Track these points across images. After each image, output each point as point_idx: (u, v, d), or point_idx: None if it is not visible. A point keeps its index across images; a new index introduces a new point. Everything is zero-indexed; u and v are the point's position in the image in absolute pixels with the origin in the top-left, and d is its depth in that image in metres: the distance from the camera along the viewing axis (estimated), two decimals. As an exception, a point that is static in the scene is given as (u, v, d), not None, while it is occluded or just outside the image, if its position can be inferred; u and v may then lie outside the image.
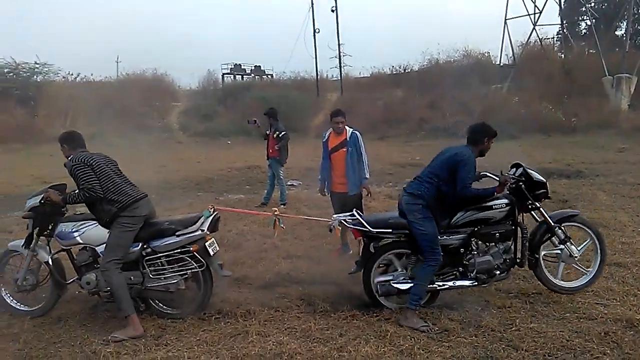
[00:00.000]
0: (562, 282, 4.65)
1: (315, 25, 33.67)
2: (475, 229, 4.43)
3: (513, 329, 3.99)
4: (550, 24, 35.15)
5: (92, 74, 33.70)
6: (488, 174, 4.75)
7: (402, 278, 4.44)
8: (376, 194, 8.83)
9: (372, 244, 4.52)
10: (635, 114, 22.36)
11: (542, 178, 4.54)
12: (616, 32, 31.69)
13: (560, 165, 12.95)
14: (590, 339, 3.76)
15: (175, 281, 4.37)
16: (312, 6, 33.47)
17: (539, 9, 31.28)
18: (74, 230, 4.41)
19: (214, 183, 12.69)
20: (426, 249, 4.25)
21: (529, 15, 31.57)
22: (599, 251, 4.65)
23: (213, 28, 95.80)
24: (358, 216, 4.53)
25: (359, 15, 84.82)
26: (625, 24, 28.85)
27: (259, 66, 41.21)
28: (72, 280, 4.58)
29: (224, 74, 38.90)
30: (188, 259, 4.37)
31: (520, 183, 4.46)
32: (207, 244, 4.41)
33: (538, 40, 32.03)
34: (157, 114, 29.00)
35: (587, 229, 4.71)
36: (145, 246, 4.36)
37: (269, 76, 40.37)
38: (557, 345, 3.69)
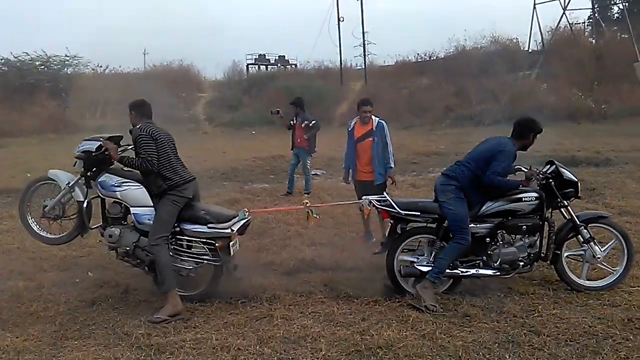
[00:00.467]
0: (586, 281, 4.56)
1: (339, 13, 33.56)
2: (503, 220, 4.46)
3: (535, 315, 4.02)
4: (581, 9, 34.07)
5: (120, 66, 34.29)
6: (522, 168, 4.72)
7: (425, 262, 4.50)
8: (400, 183, 8.85)
9: (399, 225, 4.59)
10: (669, 100, 21.63)
11: (573, 177, 4.52)
12: (650, 16, 30.63)
13: (589, 153, 12.71)
14: (613, 325, 3.76)
15: (189, 267, 4.51)
16: (337, -5, 33.27)
17: (569, -7, 30.47)
18: (117, 184, 4.54)
19: (239, 172, 12.84)
20: (455, 229, 4.32)
21: (558, -1, 30.79)
22: (626, 251, 4.53)
23: (237, 20, 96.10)
24: (388, 198, 4.61)
25: (384, 3, 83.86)
26: (660, 6, 27.90)
27: (283, 56, 41.21)
28: (96, 226, 4.78)
29: (248, 64, 39.04)
30: (209, 251, 4.50)
31: (550, 180, 4.45)
32: (230, 243, 4.52)
33: (568, 25, 31.24)
34: (183, 105, 29.34)
35: (613, 230, 4.62)
36: (176, 224, 4.50)
37: (293, 66, 40.34)
38: (579, 331, 3.71)
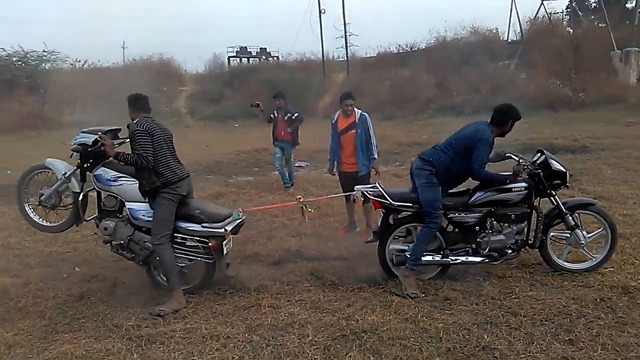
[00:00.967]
0: (565, 262, 4.69)
1: (320, 5, 33.51)
2: (493, 209, 4.58)
3: (512, 296, 4.19)
4: (559, -2, 34.53)
5: (99, 61, 33.80)
6: (513, 156, 4.81)
7: None
8: (383, 173, 8.96)
9: (391, 215, 4.69)
10: (644, 88, 22.13)
11: (562, 168, 4.60)
12: (626, 5, 31.16)
13: (566, 141, 12.96)
14: (586, 305, 3.95)
15: (182, 263, 4.56)
16: (318, -14, 33.19)
17: (547, -17, 30.77)
18: (112, 179, 4.59)
19: (223, 166, 12.85)
20: (427, 212, 4.44)
21: (536, -11, 31.06)
22: (609, 241, 4.62)
23: (218, 13, 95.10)
24: (380, 188, 4.70)
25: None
26: (635, -5, 28.31)
27: (265, 48, 41.02)
28: (92, 217, 4.83)
29: (229, 57, 38.82)
30: (202, 248, 4.55)
31: (539, 171, 4.56)
32: (224, 242, 4.58)
33: (546, 15, 31.59)
34: (165, 98, 29.07)
35: (601, 219, 4.70)
36: None
37: (275, 58, 40.20)
38: (554, 311, 3.89)
